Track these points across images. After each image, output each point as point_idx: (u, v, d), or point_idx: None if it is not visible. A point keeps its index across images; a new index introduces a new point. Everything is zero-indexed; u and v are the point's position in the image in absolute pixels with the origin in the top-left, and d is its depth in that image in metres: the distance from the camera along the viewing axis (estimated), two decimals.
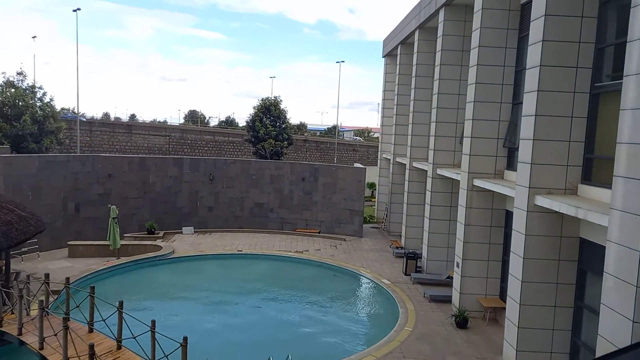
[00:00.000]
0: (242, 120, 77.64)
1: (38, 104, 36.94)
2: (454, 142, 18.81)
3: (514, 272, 11.54)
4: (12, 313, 12.54)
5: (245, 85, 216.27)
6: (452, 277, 16.92)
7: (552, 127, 10.63)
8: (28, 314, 12.48)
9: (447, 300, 16.39)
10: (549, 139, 10.64)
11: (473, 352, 12.77)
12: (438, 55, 19.03)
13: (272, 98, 45.69)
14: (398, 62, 27.53)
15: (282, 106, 44.83)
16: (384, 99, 32.23)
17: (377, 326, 15.39)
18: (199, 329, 14.26)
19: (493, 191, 14.29)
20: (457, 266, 15.65)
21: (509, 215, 14.62)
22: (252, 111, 44.89)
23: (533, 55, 10.92)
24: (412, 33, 23.72)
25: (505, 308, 12.60)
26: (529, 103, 10.96)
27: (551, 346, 11.19)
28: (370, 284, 19.19)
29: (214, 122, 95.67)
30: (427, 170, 20.20)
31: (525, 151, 11.05)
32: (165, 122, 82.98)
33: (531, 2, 11.25)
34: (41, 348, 10.71)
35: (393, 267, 20.83)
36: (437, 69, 19.14)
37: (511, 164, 14.44)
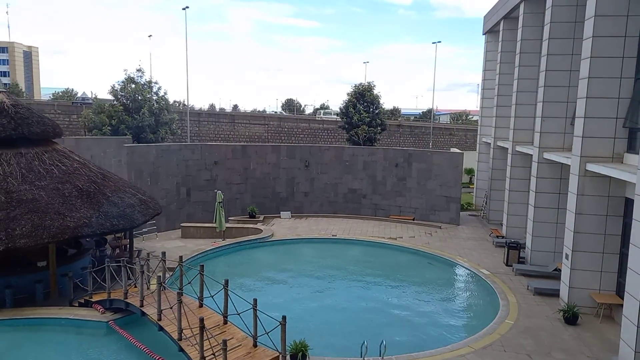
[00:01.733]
0: (336, 106, 78.34)
1: (154, 97, 40.60)
2: (564, 124, 17.28)
3: (634, 266, 10.41)
4: (135, 286, 14.12)
5: (340, 71, 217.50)
6: (560, 270, 15.73)
7: None
8: (148, 288, 13.97)
9: (554, 294, 15.28)
10: None
11: (584, 350, 11.81)
12: (546, 28, 17.50)
13: (366, 83, 45.46)
14: (500, 39, 25.80)
15: (375, 91, 44.47)
16: (484, 79, 30.49)
17: (476, 317, 14.85)
18: (296, 309, 14.87)
19: (610, 177, 12.93)
20: (567, 258, 14.49)
21: (628, 203, 13.15)
22: (345, 97, 45.10)
23: None
24: (517, 6, 22.05)
25: (622, 305, 11.44)
26: None
27: None
28: (468, 273, 18.51)
29: (309, 110, 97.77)
30: (532, 155, 18.82)
31: None
32: (264, 111, 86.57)
33: None
34: (159, 319, 11.96)
35: (493, 257, 19.86)
36: (545, 44, 17.64)
37: (633, 147, 12.93)
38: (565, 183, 15.83)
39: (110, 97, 40.79)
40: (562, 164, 16.48)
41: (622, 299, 11.95)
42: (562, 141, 17.31)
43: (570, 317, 13.32)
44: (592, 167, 13.35)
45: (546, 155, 17.35)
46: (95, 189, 15.90)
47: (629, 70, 13.06)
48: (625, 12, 12.94)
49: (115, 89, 39.56)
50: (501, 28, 25.65)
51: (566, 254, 14.56)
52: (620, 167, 12.45)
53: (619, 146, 13.29)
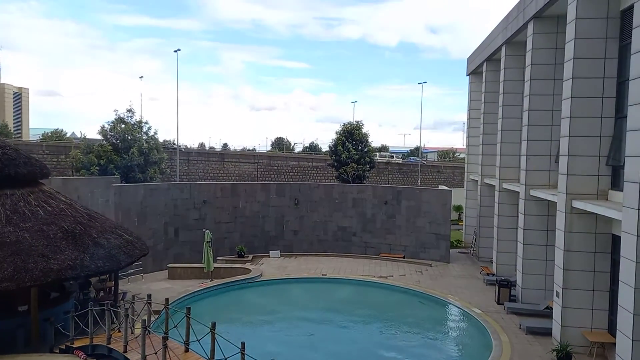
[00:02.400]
0: (325, 145, 79.24)
1: (144, 137, 40.68)
2: (549, 161, 17.61)
3: (624, 304, 10.39)
4: (119, 331, 13.67)
5: (328, 111, 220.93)
6: (551, 308, 15.61)
7: None
8: (132, 332, 13.53)
9: (547, 332, 15.10)
10: None
11: None
12: (528, 70, 18.12)
13: (354, 122, 46.16)
14: (484, 80, 26.60)
15: (363, 130, 45.06)
16: (469, 119, 31.19)
17: (469, 358, 14.57)
18: (285, 352, 14.46)
19: (596, 214, 13.08)
20: (557, 296, 14.42)
21: (616, 240, 13.25)
22: (334, 136, 45.66)
23: (638, 64, 10.00)
24: (499, 49, 22.88)
25: (615, 343, 11.32)
26: (635, 116, 10.01)
27: None
28: (460, 312, 18.27)
29: (298, 148, 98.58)
30: (519, 192, 19.05)
31: (632, 169, 10.05)
32: (254, 149, 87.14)
33: (632, 7, 10.38)
34: None
35: (484, 295, 19.69)
36: (527, 85, 18.20)
37: (616, 184, 13.15)
38: (553, 220, 15.97)
39: (99, 137, 40.81)
40: (549, 201, 16.67)
41: (614, 337, 11.84)
42: (548, 178, 17.58)
43: (564, 357, 13.11)
44: (578, 204, 13.51)
45: (532, 193, 17.56)
46: (81, 230, 15.63)
47: (609, 109, 13.47)
48: (602, 55, 13.48)
49: (105, 129, 39.62)
50: (484, 69, 26.49)
51: (557, 291, 14.50)
52: (605, 204, 12.62)
53: (603, 183, 13.52)
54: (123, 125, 39.84)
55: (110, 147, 38.43)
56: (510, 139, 21.46)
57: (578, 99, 13.66)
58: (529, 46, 18.03)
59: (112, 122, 40.11)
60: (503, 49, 21.97)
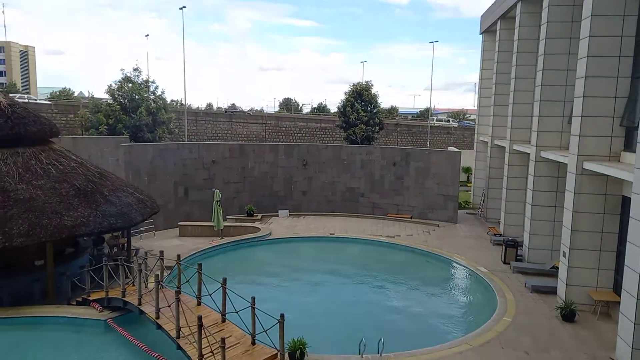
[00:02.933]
0: (333, 106, 78.45)
1: (151, 97, 40.52)
2: (561, 122, 17.34)
3: (630, 264, 10.47)
4: (133, 285, 14.10)
5: (338, 71, 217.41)
6: (557, 267, 15.79)
7: None
8: (146, 287, 13.95)
9: (551, 291, 15.34)
10: None
11: (581, 348, 11.86)
12: (543, 28, 17.55)
13: (364, 83, 45.49)
14: (497, 39, 25.86)
15: (373, 91, 44.51)
16: (481, 79, 30.54)
17: (473, 315, 14.90)
18: (295, 307, 14.88)
19: (607, 175, 12.98)
20: (564, 256, 14.55)
21: (625, 202, 13.21)
22: (343, 97, 45.13)
23: None
24: (514, 6, 22.09)
25: (619, 302, 11.49)
26: None
27: None
28: (466, 271, 18.56)
29: (306, 109, 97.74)
30: (529, 153, 18.88)
31: None
32: (262, 110, 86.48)
33: None
34: (157, 317, 11.95)
35: (490, 255, 19.91)
36: (542, 43, 17.69)
37: (629, 145, 12.97)
38: (563, 181, 15.89)
39: (107, 96, 40.70)
40: (560, 162, 16.54)
41: (619, 296, 12.01)
42: (560, 140, 17.37)
43: (568, 315, 13.38)
44: (589, 165, 13.40)
45: (543, 154, 17.40)
46: (93, 188, 15.86)
47: (626, 69, 13.11)
48: (621, 12, 12.99)
49: (112, 88, 39.46)
50: (498, 28, 25.70)
51: (563, 251, 14.62)
52: (617, 165, 12.50)
53: (616, 145, 13.34)
54: (130, 85, 39.63)
55: (118, 106, 38.40)
56: (523, 99, 21.07)
57: (594, 57, 13.28)
58: (545, 3, 17.38)
59: (119, 82, 39.91)
60: (518, 6, 21.22)
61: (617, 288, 13.54)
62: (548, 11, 17.14)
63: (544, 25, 17.52)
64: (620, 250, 13.40)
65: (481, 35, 30.71)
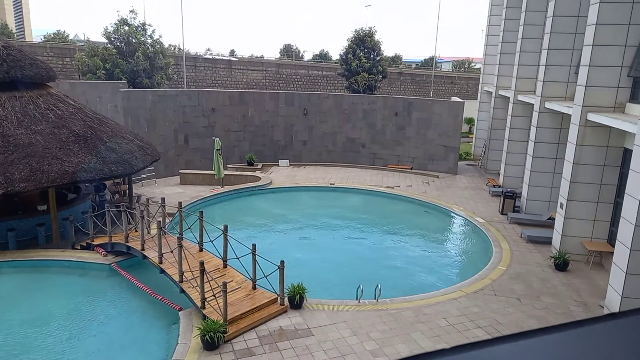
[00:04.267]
0: (335, 53, 76.51)
1: (149, 40, 39.41)
2: (568, 72, 16.94)
3: (627, 216, 10.57)
4: (136, 231, 14.35)
5: (340, 16, 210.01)
6: (553, 219, 15.99)
7: None
8: (148, 232, 14.20)
9: (547, 242, 15.63)
10: None
11: (572, 295, 12.24)
12: None
13: (366, 29, 44.08)
14: None
15: (376, 37, 43.17)
16: (489, 25, 29.56)
17: (469, 263, 15.26)
18: (294, 254, 15.20)
19: (610, 127, 12.85)
20: (561, 207, 14.69)
21: (627, 154, 13.16)
22: (345, 44, 43.89)
23: None
24: None
25: (612, 253, 11.73)
26: None
27: None
28: (464, 221, 18.82)
29: (308, 56, 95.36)
30: (533, 104, 18.60)
31: None
32: (262, 57, 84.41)
33: None
34: (160, 262, 12.25)
35: (489, 205, 20.12)
36: None
37: (636, 96, 12.76)
38: (565, 133, 15.76)
39: (103, 40, 39.60)
40: (563, 113, 16.33)
41: (613, 247, 12.23)
42: (565, 90, 17.05)
43: (561, 264, 13.69)
44: (593, 117, 13.23)
45: (548, 105, 17.15)
46: (92, 134, 15.77)
47: (638, 16, 12.63)
48: None
49: (108, 31, 38.27)
50: None
51: (561, 203, 14.74)
52: (621, 117, 12.34)
53: (622, 96, 13.11)
54: (127, 27, 38.46)
55: (114, 50, 37.46)
56: (531, 47, 20.48)
57: (606, 3, 12.76)
58: None
59: (115, 24, 38.69)
60: None
61: (612, 239, 13.76)
62: None
63: None
64: (618, 202, 13.51)
65: None
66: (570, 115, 14.55)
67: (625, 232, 10.64)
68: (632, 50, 12.78)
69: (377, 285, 11.46)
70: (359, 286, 11.44)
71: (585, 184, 14.03)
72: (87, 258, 13.77)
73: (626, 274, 10.45)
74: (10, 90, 15.20)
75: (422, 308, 11.26)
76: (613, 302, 10.93)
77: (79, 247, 14.67)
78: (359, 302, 11.35)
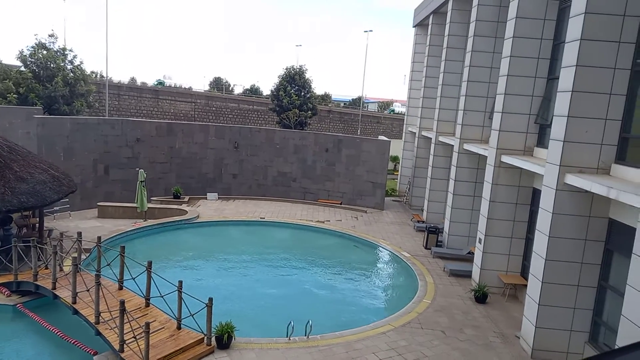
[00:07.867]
0: (266, 89, 77.35)
1: (69, 66, 37.47)
2: (483, 117, 18.42)
3: (538, 250, 11.45)
4: (47, 268, 13.13)
5: (270, 53, 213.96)
6: (473, 253, 16.91)
7: (589, 104, 10.30)
8: (61, 270, 13.06)
9: (467, 275, 16.43)
10: (584, 116, 10.34)
11: (491, 326, 12.86)
12: (472, 26, 18.42)
13: (297, 67, 45.28)
14: (429, 33, 26.80)
15: (307, 75, 44.48)
16: (412, 71, 31.58)
17: (396, 297, 15.60)
18: (222, 291, 14.67)
19: (521, 168, 14.04)
20: (479, 242, 15.60)
21: (536, 193, 14.40)
22: (276, 80, 44.68)
23: (573, 27, 10.48)
24: (446, 2, 22.97)
25: (526, 285, 12.57)
26: (566, 78, 10.61)
27: (571, 324, 11.19)
28: (390, 256, 19.33)
29: (238, 90, 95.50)
30: (453, 145, 19.91)
31: (558, 128, 10.78)
32: (190, 88, 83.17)
33: None
34: (74, 302, 11.25)
35: (414, 240, 20.89)
36: (470, 41, 18.58)
37: (542, 141, 14.10)
38: (482, 173, 16.96)
39: (18, 63, 37.04)
40: (480, 155, 17.60)
41: (526, 279, 13.14)
42: (481, 134, 18.47)
43: (480, 297, 14.42)
44: (506, 158, 14.40)
45: (466, 146, 18.43)
46: (1, 162, 14.46)
47: (543, 70, 14.17)
48: (542, 16, 13.96)
49: (24, 54, 35.95)
50: (430, 22, 26.62)
51: (479, 238, 15.67)
52: (530, 159, 13.55)
53: (530, 140, 14.44)
54: (45, 52, 36.37)
55: (30, 74, 35.13)
56: (450, 93, 22.09)
57: (516, 57, 14.19)
58: (474, 2, 18.24)
59: (33, 48, 36.48)
60: (450, 3, 22.07)
61: (525, 272, 14.79)
62: (477, 10, 17.99)
63: (472, 24, 18.38)
64: (529, 238, 14.62)
65: (414, 28, 31.67)
66: (487, 156, 15.73)
67: (537, 265, 11.48)
68: (538, 100, 14.23)
69: (308, 322, 11.32)
70: (290, 322, 11.23)
71: (500, 220, 15.08)
72: None
73: (539, 305, 11.22)
74: None
75: (353, 343, 11.25)
76: (528, 332, 11.63)
77: None
78: (289, 339, 11.11)
